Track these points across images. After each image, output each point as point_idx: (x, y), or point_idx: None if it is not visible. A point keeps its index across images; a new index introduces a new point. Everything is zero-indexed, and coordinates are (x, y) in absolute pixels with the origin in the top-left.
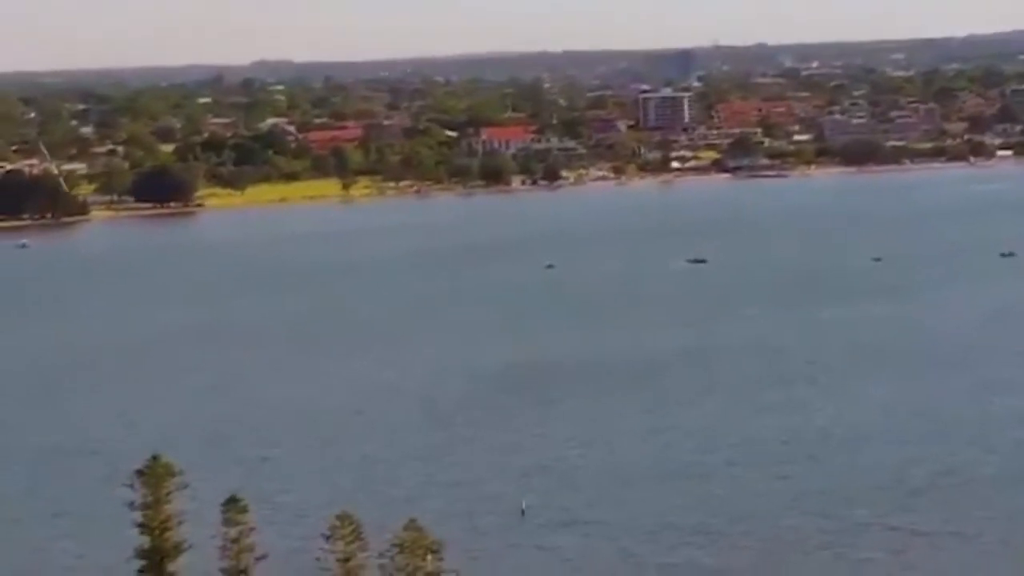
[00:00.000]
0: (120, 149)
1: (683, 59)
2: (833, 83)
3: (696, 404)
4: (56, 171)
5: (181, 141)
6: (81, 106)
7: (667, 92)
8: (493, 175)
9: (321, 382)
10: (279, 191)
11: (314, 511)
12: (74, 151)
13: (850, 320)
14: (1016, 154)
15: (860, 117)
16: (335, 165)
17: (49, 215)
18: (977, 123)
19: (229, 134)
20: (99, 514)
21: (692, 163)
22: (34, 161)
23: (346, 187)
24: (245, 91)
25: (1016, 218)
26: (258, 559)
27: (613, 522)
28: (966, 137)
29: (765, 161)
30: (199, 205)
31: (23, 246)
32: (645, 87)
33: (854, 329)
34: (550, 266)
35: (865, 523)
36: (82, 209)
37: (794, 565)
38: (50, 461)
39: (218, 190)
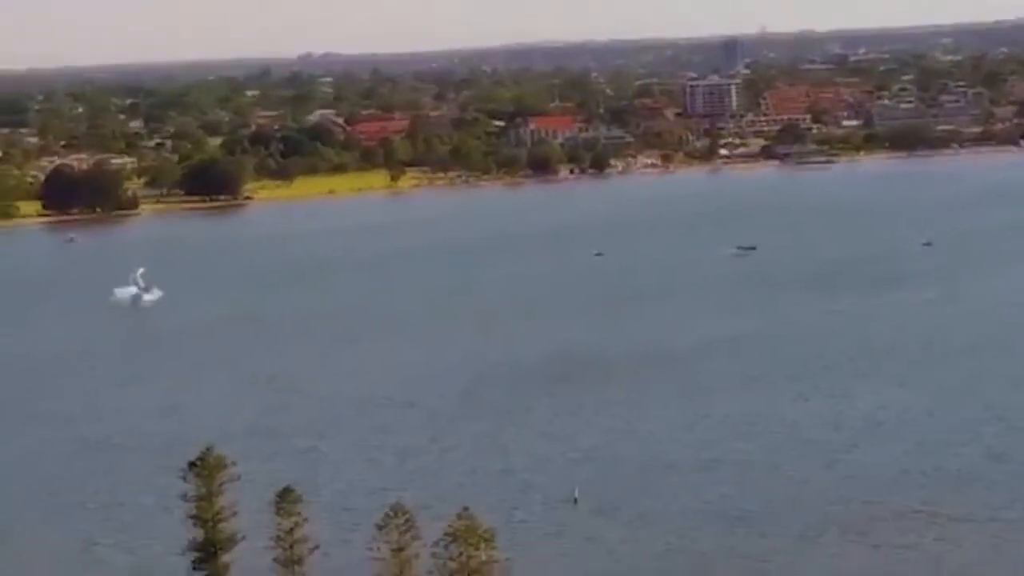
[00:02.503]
0: (169, 143)
1: (730, 46)
2: (881, 69)
3: (743, 391)
4: None
5: (229, 134)
6: (129, 100)
7: (714, 80)
8: (541, 165)
9: (368, 372)
10: (327, 183)
11: (364, 501)
12: (123, 145)
13: (899, 306)
14: None
15: (908, 103)
16: (383, 157)
17: (98, 210)
18: None
19: (277, 127)
20: (150, 506)
21: (740, 151)
22: (83, 156)
23: (394, 179)
24: (293, 84)
25: None
26: (311, 550)
27: (662, 511)
28: (1015, 121)
29: (813, 148)
30: (248, 198)
31: (71, 240)
32: (692, 75)
33: (903, 315)
34: (599, 254)
35: (909, 510)
36: (131, 203)
37: (838, 552)
38: (100, 453)
39: (267, 183)
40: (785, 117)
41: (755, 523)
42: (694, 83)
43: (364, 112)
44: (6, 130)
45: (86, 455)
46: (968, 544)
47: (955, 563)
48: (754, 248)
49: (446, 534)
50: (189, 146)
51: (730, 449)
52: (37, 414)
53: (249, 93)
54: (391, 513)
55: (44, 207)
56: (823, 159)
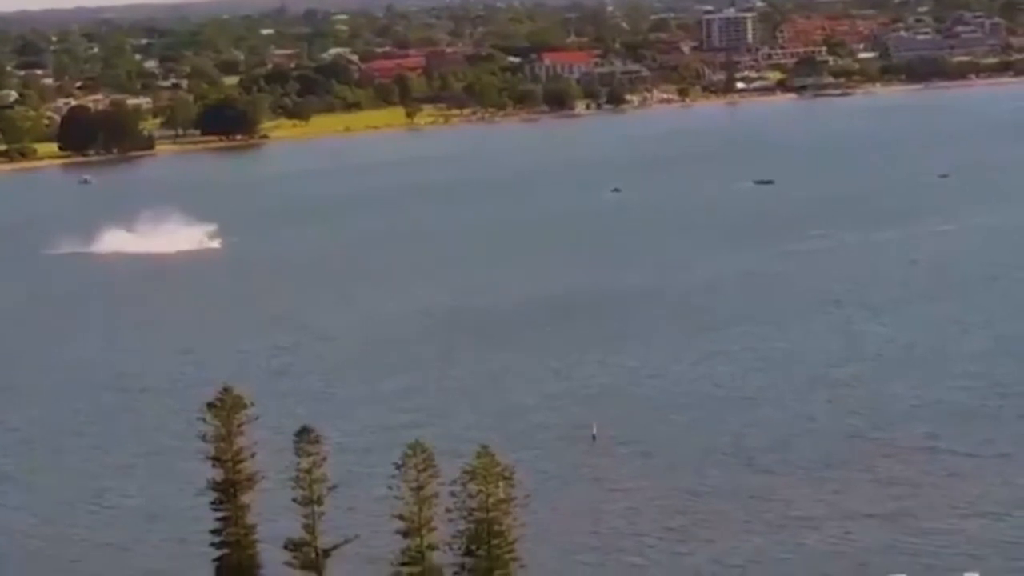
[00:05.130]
0: (184, 83)
1: None
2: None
3: (754, 327)
4: None
5: (245, 73)
6: (144, 40)
7: (730, 13)
8: (557, 100)
9: (380, 311)
10: (343, 121)
11: (379, 441)
12: (139, 86)
13: (913, 238)
14: None
15: (925, 33)
16: (398, 94)
17: (115, 150)
18: None
19: (292, 65)
20: (163, 448)
21: (757, 84)
22: (99, 96)
23: (410, 115)
24: (308, 21)
25: None
26: (330, 489)
27: (672, 448)
28: None
29: (830, 80)
30: (264, 137)
31: (85, 182)
32: (708, 8)
33: (917, 247)
34: (616, 190)
35: (916, 445)
36: (147, 144)
37: (844, 487)
38: (113, 395)
39: (283, 121)
40: (801, 49)
41: (762, 460)
42: (710, 16)
43: (379, 49)
44: (22, 71)
45: (99, 397)
46: (975, 480)
47: (962, 499)
48: (771, 182)
49: (465, 472)
50: (205, 85)
51: (739, 385)
52: (49, 358)
53: (264, 31)
54: (410, 451)
55: (61, 148)
56: (839, 91)
